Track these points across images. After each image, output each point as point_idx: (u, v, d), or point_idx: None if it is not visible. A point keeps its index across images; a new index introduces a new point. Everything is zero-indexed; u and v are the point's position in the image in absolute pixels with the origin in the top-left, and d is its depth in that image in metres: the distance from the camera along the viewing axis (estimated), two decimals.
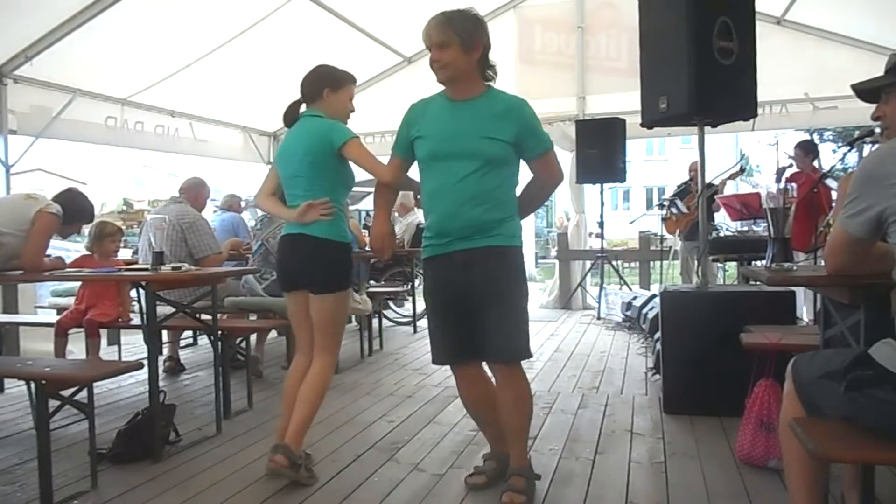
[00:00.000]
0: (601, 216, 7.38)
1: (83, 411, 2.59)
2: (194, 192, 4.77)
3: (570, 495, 2.50)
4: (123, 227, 11.14)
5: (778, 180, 5.47)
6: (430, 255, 2.46)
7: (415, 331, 6.61)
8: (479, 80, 2.44)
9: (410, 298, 6.86)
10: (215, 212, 6.51)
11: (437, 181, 2.41)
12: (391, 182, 2.62)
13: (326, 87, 2.75)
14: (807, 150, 5.63)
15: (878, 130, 2.81)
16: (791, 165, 5.67)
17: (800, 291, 4.60)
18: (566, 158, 8.01)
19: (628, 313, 6.29)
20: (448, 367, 2.59)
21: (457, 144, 2.36)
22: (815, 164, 5.60)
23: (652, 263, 8.12)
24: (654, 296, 5.76)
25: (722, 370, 3.19)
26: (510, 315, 2.37)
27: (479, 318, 2.37)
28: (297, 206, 2.66)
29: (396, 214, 7.62)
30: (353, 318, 6.30)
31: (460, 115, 2.39)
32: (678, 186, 7.31)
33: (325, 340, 2.72)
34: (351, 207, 8.25)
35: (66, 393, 2.52)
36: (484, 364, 2.54)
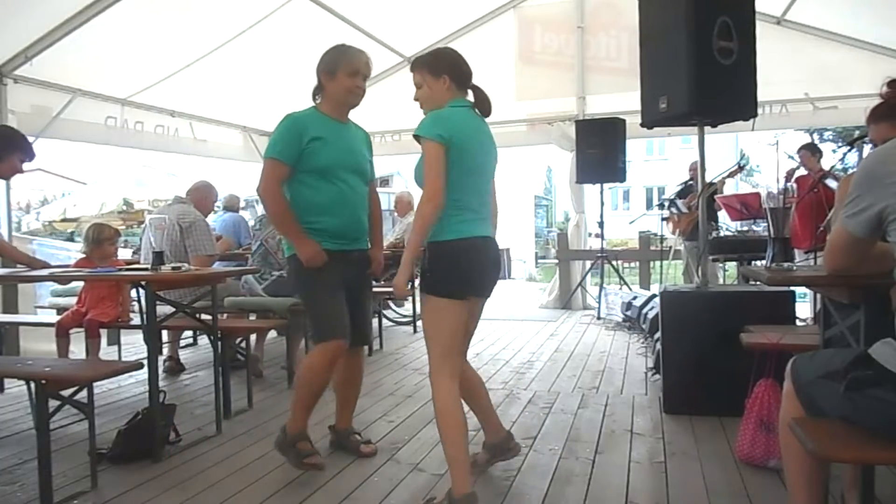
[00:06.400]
0: (601, 216, 7.38)
1: (83, 411, 2.59)
2: (201, 195, 4.74)
3: (570, 495, 2.50)
4: (123, 227, 11.14)
5: (787, 181, 5.47)
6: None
7: (415, 331, 6.61)
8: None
9: (410, 298, 6.86)
10: (216, 212, 6.52)
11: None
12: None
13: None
14: (813, 151, 5.65)
15: None
16: (799, 167, 5.67)
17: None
18: (566, 158, 8.02)
19: (628, 313, 6.29)
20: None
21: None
22: (822, 163, 5.60)
23: (652, 263, 8.12)
24: (654, 296, 5.76)
25: (722, 370, 3.19)
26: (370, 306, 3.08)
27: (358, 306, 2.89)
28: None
29: (396, 214, 7.62)
30: None
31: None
32: (678, 186, 7.31)
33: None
34: None
35: (66, 393, 2.52)
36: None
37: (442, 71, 2.45)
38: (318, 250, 2.70)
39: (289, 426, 2.79)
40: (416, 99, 2.53)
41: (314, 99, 2.85)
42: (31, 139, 5.53)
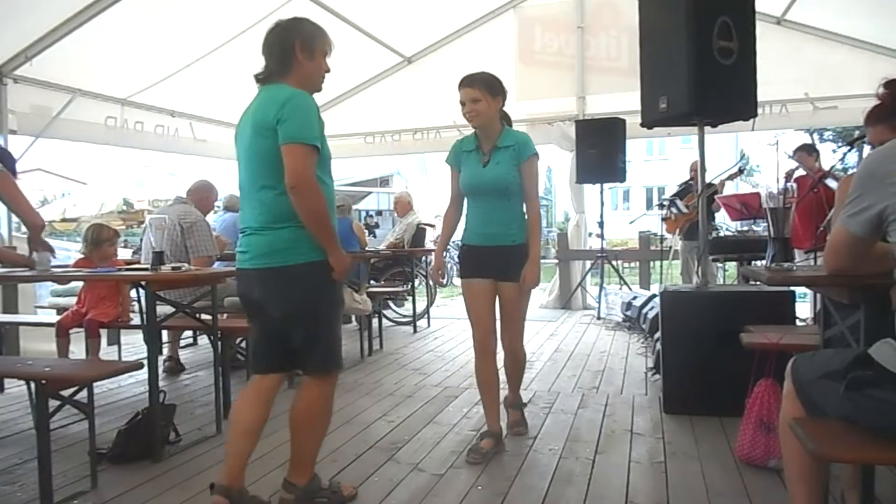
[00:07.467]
0: (601, 216, 7.38)
1: (83, 411, 2.59)
2: (202, 195, 4.75)
3: (570, 495, 2.50)
4: (123, 227, 11.09)
5: (788, 181, 5.47)
6: None
7: (415, 331, 6.62)
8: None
9: (410, 298, 6.86)
10: (216, 212, 6.51)
11: None
12: None
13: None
14: (809, 151, 5.64)
15: None
16: (798, 168, 5.68)
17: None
18: (566, 158, 8.02)
19: (628, 313, 6.30)
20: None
21: None
22: (820, 162, 5.60)
23: (652, 263, 8.13)
24: (654, 296, 5.76)
25: (722, 370, 3.19)
26: None
27: None
28: None
29: (396, 214, 7.62)
30: (353, 318, 6.30)
31: None
32: (679, 186, 7.31)
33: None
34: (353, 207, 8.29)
35: (66, 393, 2.52)
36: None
37: (499, 94, 2.87)
38: (350, 260, 2.30)
39: (300, 480, 2.34)
40: (468, 111, 2.82)
41: (280, 76, 2.31)
42: (30, 139, 5.59)
